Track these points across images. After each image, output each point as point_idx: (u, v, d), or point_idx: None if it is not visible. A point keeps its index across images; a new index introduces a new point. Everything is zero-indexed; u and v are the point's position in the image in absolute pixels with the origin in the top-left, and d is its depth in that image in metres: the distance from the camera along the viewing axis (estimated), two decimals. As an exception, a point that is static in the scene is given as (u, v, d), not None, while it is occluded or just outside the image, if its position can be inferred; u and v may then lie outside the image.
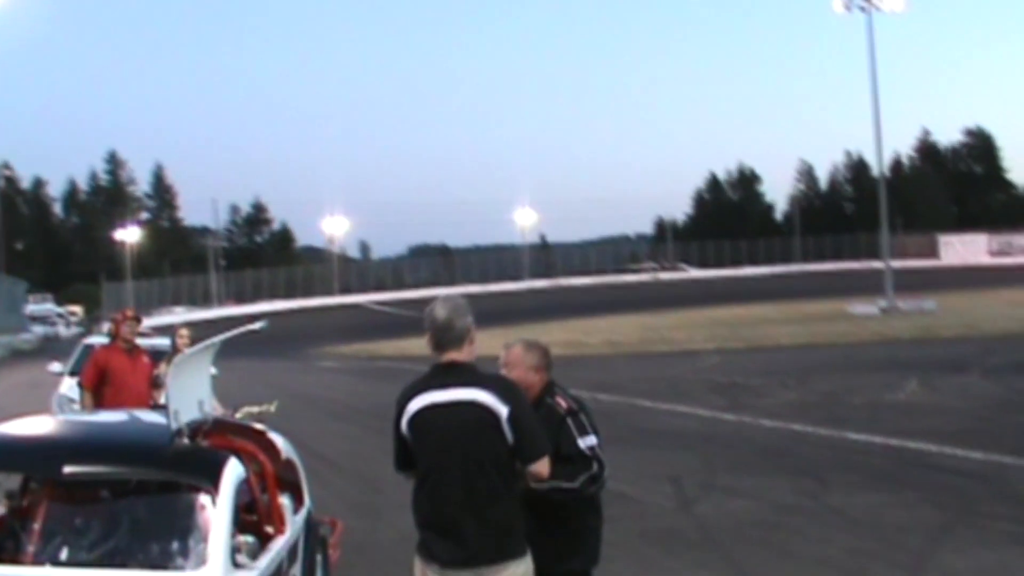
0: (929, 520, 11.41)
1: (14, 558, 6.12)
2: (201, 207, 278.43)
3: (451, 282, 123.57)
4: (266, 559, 6.27)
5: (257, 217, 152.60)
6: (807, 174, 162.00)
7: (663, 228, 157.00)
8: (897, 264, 71.39)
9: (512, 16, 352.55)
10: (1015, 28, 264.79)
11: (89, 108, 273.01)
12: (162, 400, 8.82)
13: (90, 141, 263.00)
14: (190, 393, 6.84)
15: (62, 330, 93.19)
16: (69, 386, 18.92)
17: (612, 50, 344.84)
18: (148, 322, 33.82)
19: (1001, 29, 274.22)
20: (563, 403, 5.91)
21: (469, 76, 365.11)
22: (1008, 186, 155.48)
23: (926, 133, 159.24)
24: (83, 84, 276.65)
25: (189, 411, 6.75)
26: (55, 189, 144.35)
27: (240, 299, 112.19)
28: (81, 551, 6.11)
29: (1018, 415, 19.08)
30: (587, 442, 5.81)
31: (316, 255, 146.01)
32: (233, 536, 6.02)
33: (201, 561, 5.84)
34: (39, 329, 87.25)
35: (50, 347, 66.61)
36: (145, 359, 12.37)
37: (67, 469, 6.12)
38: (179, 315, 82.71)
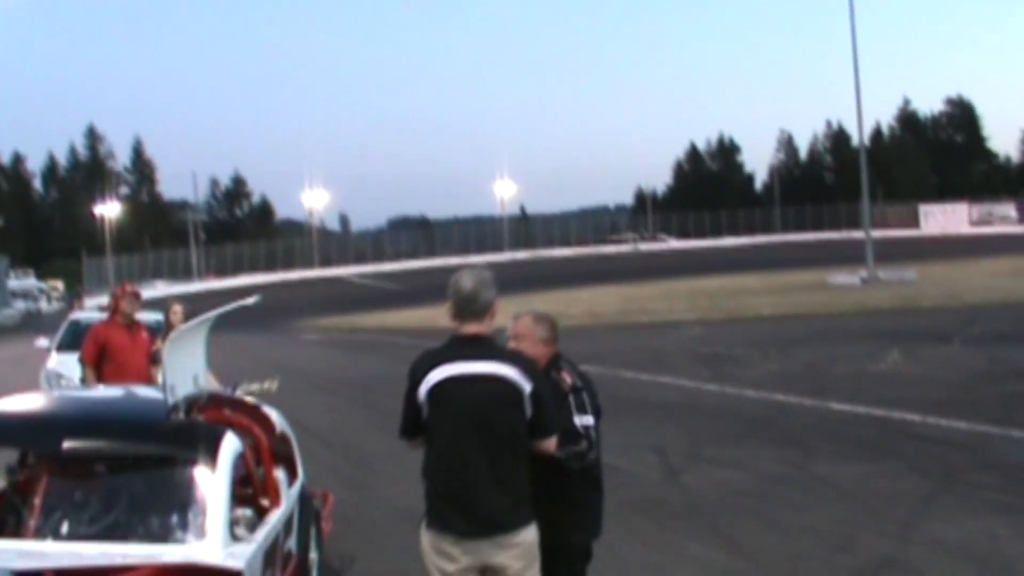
0: (915, 489, 11.50)
1: (16, 532, 6.17)
2: (181, 181, 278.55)
3: (431, 254, 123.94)
4: (263, 532, 6.32)
5: (237, 191, 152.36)
6: (787, 144, 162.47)
7: (643, 199, 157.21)
8: (878, 234, 71.58)
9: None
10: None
11: (67, 82, 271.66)
12: (159, 376, 8.85)
13: (69, 116, 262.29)
14: (186, 368, 6.89)
15: (44, 306, 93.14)
16: (57, 361, 18.98)
17: (592, 20, 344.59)
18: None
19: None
20: (568, 379, 5.97)
21: (449, 48, 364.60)
22: (989, 155, 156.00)
23: (907, 102, 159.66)
24: (61, 58, 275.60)
25: (185, 386, 6.80)
26: (34, 164, 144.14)
27: (221, 273, 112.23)
28: (81, 525, 6.15)
29: (1000, 385, 19.17)
30: (583, 421, 5.88)
31: (296, 228, 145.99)
32: (231, 509, 6.08)
33: (200, 534, 5.88)
34: (21, 305, 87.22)
35: (33, 323, 66.58)
36: (144, 334, 12.37)
37: (66, 444, 6.17)
38: (161, 289, 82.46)
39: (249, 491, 6.78)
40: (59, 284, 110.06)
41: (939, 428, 15.06)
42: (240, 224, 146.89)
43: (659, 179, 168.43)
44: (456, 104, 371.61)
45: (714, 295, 52.15)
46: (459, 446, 5.28)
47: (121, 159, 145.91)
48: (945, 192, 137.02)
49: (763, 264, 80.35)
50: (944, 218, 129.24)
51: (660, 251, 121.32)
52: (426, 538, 5.40)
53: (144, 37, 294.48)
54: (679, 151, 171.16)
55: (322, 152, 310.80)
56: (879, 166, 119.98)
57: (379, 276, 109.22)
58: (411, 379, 5.42)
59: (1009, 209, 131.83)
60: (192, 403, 6.91)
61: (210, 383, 8.28)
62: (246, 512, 6.35)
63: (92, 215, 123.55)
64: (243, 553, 5.83)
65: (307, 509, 7.85)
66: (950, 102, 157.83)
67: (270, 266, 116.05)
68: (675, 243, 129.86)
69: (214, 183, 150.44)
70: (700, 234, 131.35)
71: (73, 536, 6.06)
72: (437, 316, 51.92)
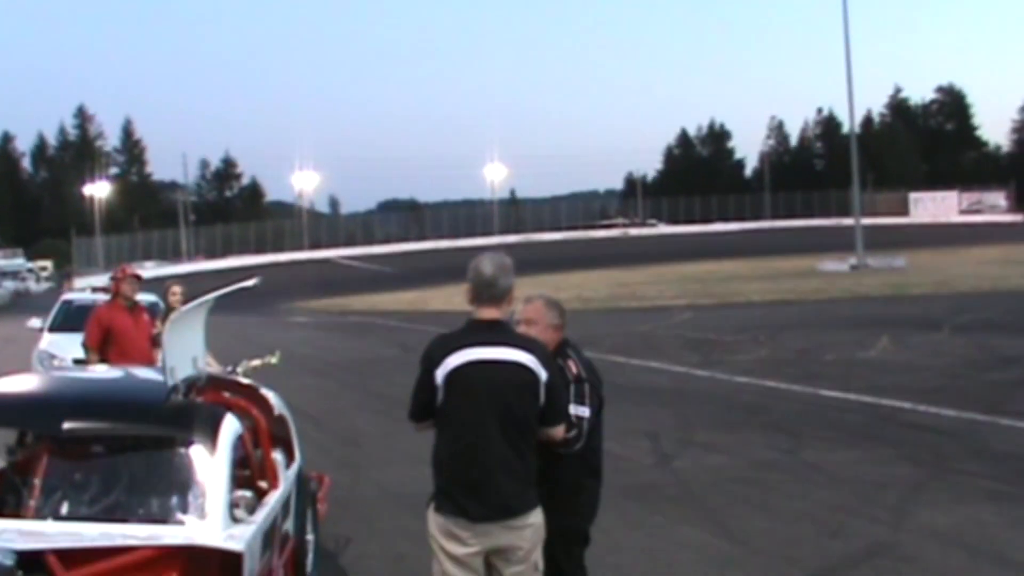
0: (905, 476, 11.57)
1: (16, 512, 6.19)
2: (170, 162, 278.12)
3: (420, 237, 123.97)
4: (262, 513, 6.34)
5: (227, 172, 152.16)
6: (778, 130, 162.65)
7: (633, 184, 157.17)
8: (867, 221, 71.72)
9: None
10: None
11: (57, 62, 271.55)
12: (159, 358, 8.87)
13: (58, 95, 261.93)
14: (185, 350, 6.92)
15: (32, 285, 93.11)
16: (49, 342, 18.99)
17: (583, 5, 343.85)
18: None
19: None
20: (573, 368, 6.01)
21: (440, 32, 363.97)
22: (979, 144, 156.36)
23: (898, 90, 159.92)
24: (51, 38, 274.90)
25: (184, 368, 6.83)
26: (24, 144, 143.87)
27: (210, 254, 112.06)
28: (82, 506, 6.16)
29: (989, 373, 19.27)
30: (578, 411, 5.91)
31: (285, 210, 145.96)
32: (231, 491, 6.11)
33: (201, 515, 5.90)
34: (10, 284, 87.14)
35: (22, 302, 66.48)
36: (146, 316, 12.36)
37: (66, 425, 6.18)
38: (150, 270, 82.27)
39: (247, 473, 6.80)
40: (48, 264, 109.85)
41: (928, 415, 15.14)
42: (230, 205, 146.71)
43: (649, 164, 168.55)
44: (447, 88, 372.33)
45: (704, 280, 52.31)
46: (478, 430, 5.28)
47: (111, 139, 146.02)
48: (935, 180, 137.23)
49: (753, 250, 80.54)
50: (934, 206, 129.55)
51: (650, 236, 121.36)
52: (435, 521, 5.39)
53: (135, 18, 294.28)
54: (670, 136, 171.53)
55: (312, 134, 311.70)
56: (870, 154, 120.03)
57: (369, 258, 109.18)
58: (426, 363, 5.39)
59: (998, 198, 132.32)
60: (191, 385, 6.94)
61: (209, 365, 8.31)
62: (246, 494, 6.37)
63: (81, 195, 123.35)
64: (243, 535, 5.85)
65: (304, 491, 7.89)
66: (941, 90, 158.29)
67: (260, 248, 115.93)
68: (665, 228, 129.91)
69: (204, 164, 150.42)
70: (690, 220, 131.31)
71: (73, 517, 6.06)
72: (427, 298, 52.15)
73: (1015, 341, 23.21)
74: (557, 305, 6.15)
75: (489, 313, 5.41)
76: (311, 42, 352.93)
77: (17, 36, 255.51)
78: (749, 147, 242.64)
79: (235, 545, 5.70)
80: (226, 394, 7.44)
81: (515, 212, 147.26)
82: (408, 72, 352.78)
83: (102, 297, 18.81)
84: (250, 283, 7.56)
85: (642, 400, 17.28)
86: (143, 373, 7.87)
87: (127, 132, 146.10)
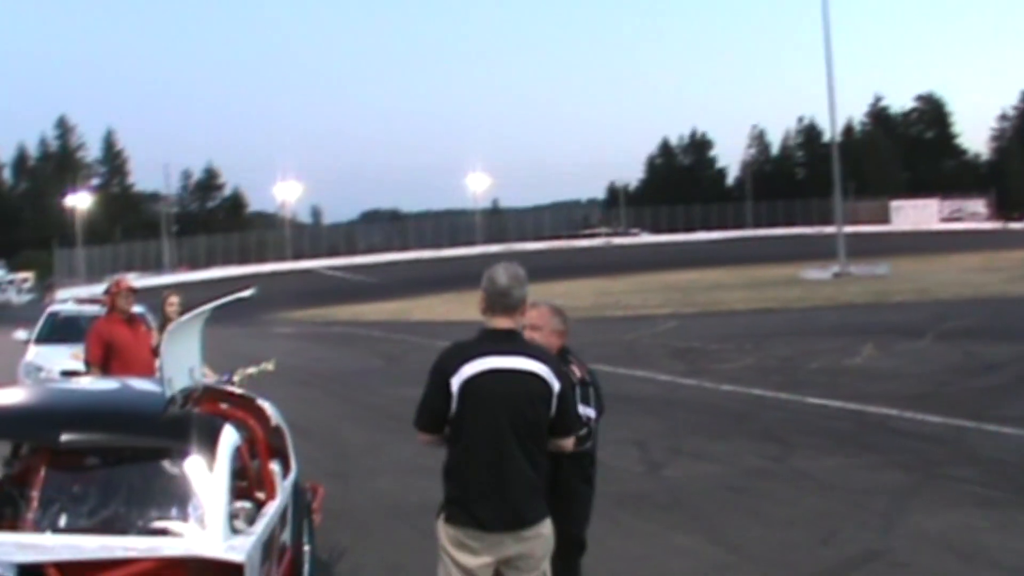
0: (894, 482, 11.63)
1: (13, 524, 6.17)
2: (152, 172, 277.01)
3: (403, 247, 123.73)
4: (261, 524, 6.35)
5: (209, 183, 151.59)
6: (759, 139, 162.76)
7: (616, 193, 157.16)
8: (849, 229, 71.92)
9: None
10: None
11: (38, 72, 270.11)
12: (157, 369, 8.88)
13: (39, 106, 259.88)
14: (182, 361, 6.91)
15: (14, 297, 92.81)
16: (36, 353, 18.89)
17: (565, 15, 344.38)
18: (100, 288, 33.36)
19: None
20: (577, 372, 6.08)
21: (422, 41, 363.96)
22: (959, 152, 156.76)
23: (878, 99, 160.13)
24: (32, 48, 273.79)
25: (181, 379, 6.83)
26: (4, 155, 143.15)
27: (193, 265, 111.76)
28: (80, 518, 6.14)
29: (973, 379, 19.36)
30: (585, 411, 5.97)
31: (268, 220, 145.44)
32: (231, 502, 6.12)
33: (201, 526, 5.90)
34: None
35: (3, 315, 66.17)
36: (144, 328, 12.36)
37: (64, 437, 6.18)
38: (132, 282, 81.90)
39: (244, 484, 6.81)
40: (29, 275, 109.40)
41: (915, 422, 15.21)
42: (212, 216, 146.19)
43: (632, 174, 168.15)
44: (429, 98, 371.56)
45: (687, 289, 52.36)
46: (493, 440, 5.26)
47: (92, 150, 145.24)
48: (916, 188, 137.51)
49: (735, 259, 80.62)
50: (915, 214, 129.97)
51: (633, 245, 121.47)
52: (446, 532, 5.36)
53: (117, 27, 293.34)
54: (651, 146, 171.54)
55: (295, 145, 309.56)
56: (850, 162, 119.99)
57: (351, 269, 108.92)
58: (439, 372, 5.35)
59: (978, 205, 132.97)
60: (188, 395, 6.94)
61: (206, 376, 8.31)
62: (246, 505, 6.38)
63: (63, 206, 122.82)
64: (243, 546, 5.85)
65: (300, 501, 7.90)
66: (921, 99, 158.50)
67: (242, 258, 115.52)
68: (647, 237, 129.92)
69: (186, 175, 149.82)
70: (672, 228, 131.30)
71: (72, 529, 6.05)
72: (410, 308, 52.09)
73: (998, 347, 23.28)
74: (561, 312, 6.23)
75: (503, 323, 5.40)
76: (293, 53, 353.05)
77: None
78: (731, 156, 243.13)
79: (236, 556, 5.71)
80: (223, 405, 7.45)
81: (498, 222, 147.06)
82: (390, 82, 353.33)
83: (88, 308, 18.79)
84: (247, 293, 7.56)
85: (629, 409, 17.27)
86: (140, 384, 7.87)
87: (109, 143, 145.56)
